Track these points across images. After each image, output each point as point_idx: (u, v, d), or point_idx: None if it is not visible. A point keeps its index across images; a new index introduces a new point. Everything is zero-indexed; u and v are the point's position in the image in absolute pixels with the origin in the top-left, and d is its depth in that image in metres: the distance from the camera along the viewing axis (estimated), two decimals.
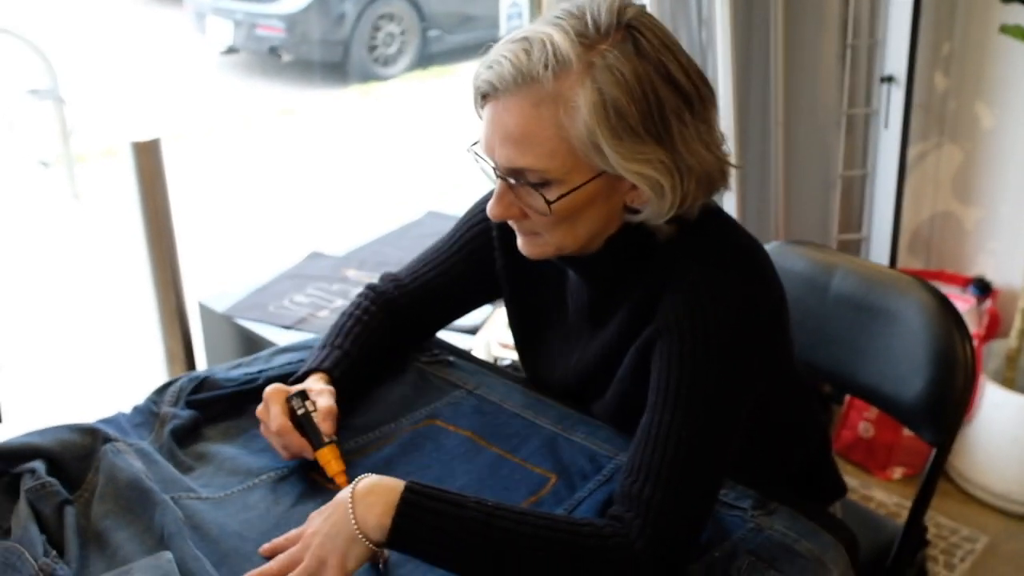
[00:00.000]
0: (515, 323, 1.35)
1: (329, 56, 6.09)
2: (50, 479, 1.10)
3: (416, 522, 0.97)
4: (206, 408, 1.29)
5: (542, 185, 1.03)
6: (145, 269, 1.95)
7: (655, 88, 0.99)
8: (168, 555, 1.00)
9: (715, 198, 1.12)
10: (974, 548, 2.25)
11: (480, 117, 1.07)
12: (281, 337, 1.94)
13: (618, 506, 1.01)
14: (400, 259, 2.25)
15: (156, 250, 1.93)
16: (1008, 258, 2.54)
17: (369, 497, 0.98)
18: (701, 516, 1.02)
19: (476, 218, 1.32)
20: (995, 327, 2.50)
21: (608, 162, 1.00)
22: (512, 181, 1.05)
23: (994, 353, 2.42)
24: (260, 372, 1.36)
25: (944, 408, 1.38)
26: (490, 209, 1.08)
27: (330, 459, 1.17)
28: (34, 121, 4.02)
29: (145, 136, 1.86)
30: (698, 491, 1.01)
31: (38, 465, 1.11)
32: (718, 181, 1.06)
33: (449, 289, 1.36)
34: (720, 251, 1.09)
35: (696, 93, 1.02)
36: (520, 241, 1.13)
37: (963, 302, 2.44)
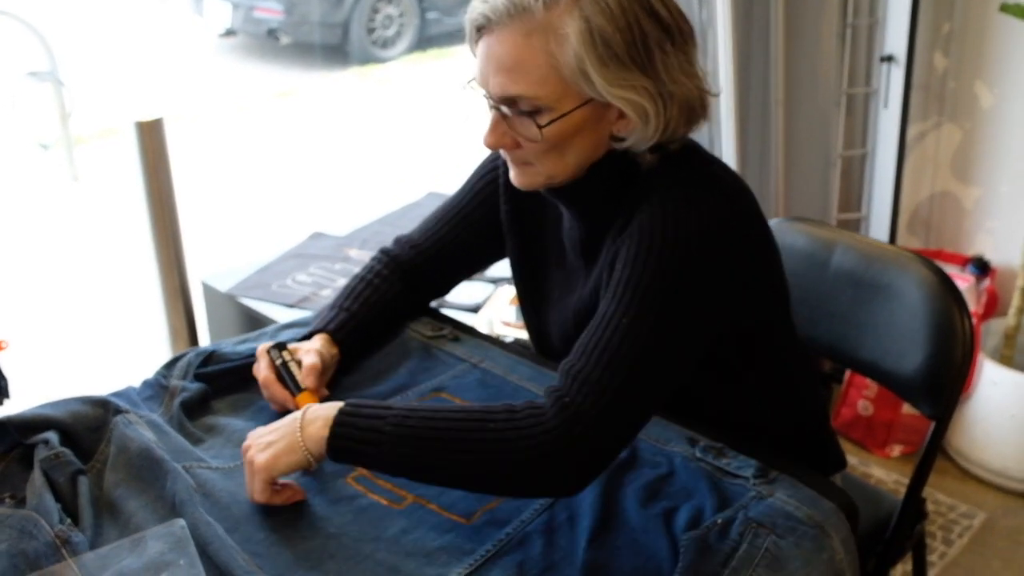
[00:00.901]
0: (518, 273, 1.39)
1: (328, 38, 6.07)
2: (64, 449, 1.11)
3: (349, 428, 1.06)
4: (214, 381, 1.31)
5: (534, 112, 1.08)
6: (148, 248, 1.96)
7: (638, 19, 1.05)
8: (181, 522, 1.02)
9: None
10: (972, 524, 2.27)
11: (474, 54, 1.13)
12: (284, 316, 1.95)
13: (557, 381, 1.06)
14: None
15: (159, 229, 1.94)
16: (1007, 237, 2.55)
17: (312, 414, 1.09)
18: (625, 411, 1.03)
19: (486, 168, 1.39)
20: (993, 306, 2.52)
21: (595, 88, 1.05)
22: (505, 110, 1.10)
23: (992, 331, 2.44)
24: None
25: (943, 382, 1.40)
26: (484, 138, 1.13)
27: (307, 403, 1.21)
28: (33, 103, 4.01)
29: (148, 115, 1.87)
30: (630, 385, 1.03)
31: (51, 436, 1.13)
32: (699, 110, 1.12)
33: (463, 242, 1.40)
34: (697, 175, 1.13)
35: (676, 27, 1.08)
36: (512, 172, 1.18)
37: (962, 281, 2.46)
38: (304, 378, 1.24)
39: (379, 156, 4.80)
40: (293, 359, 1.27)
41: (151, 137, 1.88)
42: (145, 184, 1.90)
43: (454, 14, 6.36)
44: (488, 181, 1.38)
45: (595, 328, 1.07)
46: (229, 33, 6.23)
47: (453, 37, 6.29)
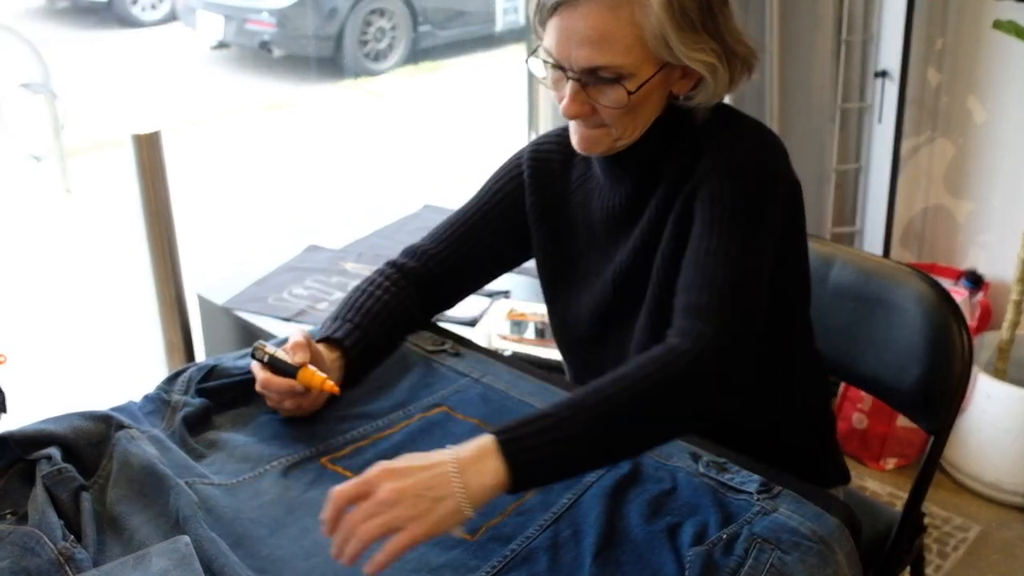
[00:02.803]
0: (547, 263, 1.39)
1: (320, 51, 6.08)
2: (66, 465, 1.10)
3: (527, 453, 0.99)
4: (215, 396, 1.30)
5: (615, 80, 1.14)
6: (145, 261, 1.95)
7: None
8: (186, 539, 1.01)
9: None
10: (966, 537, 2.28)
11: (538, 33, 1.20)
12: (280, 329, 1.94)
13: (678, 322, 1.11)
14: (398, 252, 2.27)
15: (156, 242, 1.93)
16: (999, 251, 2.57)
17: (461, 461, 0.98)
18: (745, 320, 1.11)
19: (508, 168, 1.41)
20: (987, 319, 2.53)
21: (673, 53, 1.13)
22: (586, 80, 1.15)
23: (986, 345, 2.45)
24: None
25: (942, 396, 1.40)
26: (566, 109, 1.18)
27: (308, 377, 1.21)
28: (25, 115, 3.99)
29: (146, 128, 1.87)
30: (741, 299, 1.12)
31: (53, 451, 1.12)
32: (753, 64, 1.22)
33: (481, 246, 1.41)
34: (744, 122, 1.23)
35: None
36: (580, 137, 1.22)
37: (955, 295, 2.46)
38: (294, 357, 1.22)
39: (374, 168, 4.79)
40: (276, 350, 1.24)
41: (148, 150, 1.87)
42: (142, 197, 1.89)
43: (446, 27, 6.38)
44: (512, 178, 1.40)
45: (705, 265, 1.13)
46: (222, 45, 6.22)
47: (446, 50, 6.31)
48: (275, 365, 1.23)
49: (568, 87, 1.17)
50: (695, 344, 1.07)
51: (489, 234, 1.40)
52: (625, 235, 1.28)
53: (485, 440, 0.99)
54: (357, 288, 1.39)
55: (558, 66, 1.17)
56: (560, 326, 1.41)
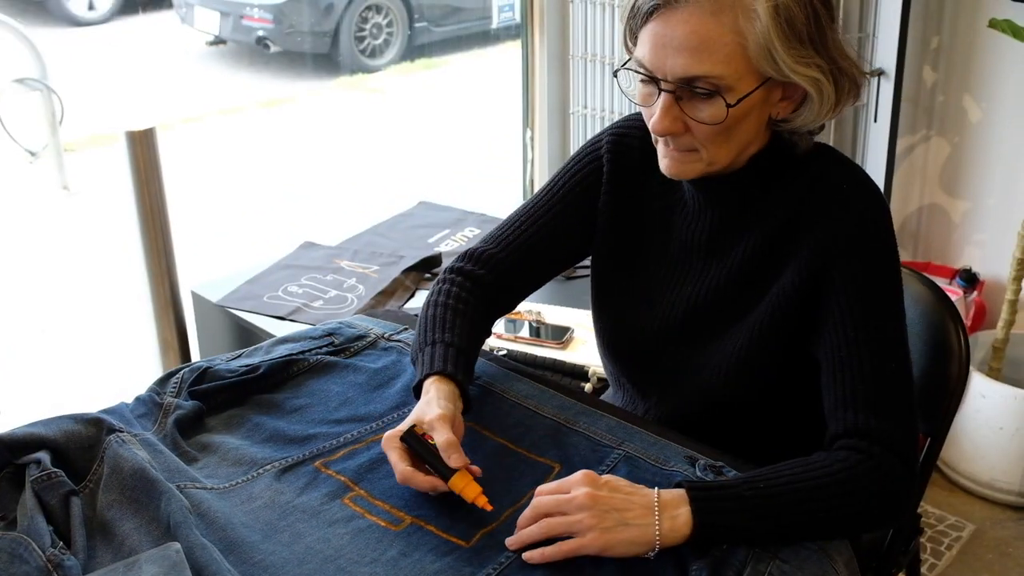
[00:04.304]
0: (604, 265, 1.34)
1: (316, 47, 6.06)
2: (55, 470, 1.09)
3: (713, 517, 1.02)
4: (208, 399, 1.28)
5: (712, 93, 1.08)
6: (139, 258, 1.95)
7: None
8: (176, 546, 0.99)
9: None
10: (961, 536, 2.28)
11: (629, 42, 1.14)
12: (275, 327, 1.94)
13: (850, 439, 1.09)
14: (393, 249, 2.27)
15: (151, 239, 1.93)
16: (994, 250, 2.56)
17: (669, 503, 1.02)
18: (914, 410, 1.12)
19: (584, 158, 1.33)
20: (981, 318, 2.53)
21: (777, 67, 1.07)
22: (680, 93, 1.09)
23: (981, 344, 2.44)
24: (261, 362, 1.35)
25: (939, 397, 1.39)
26: (656, 124, 1.11)
27: (462, 486, 1.08)
28: (21, 111, 3.97)
29: (140, 125, 1.86)
30: (909, 392, 1.12)
31: (43, 456, 1.10)
32: (860, 84, 1.14)
33: (547, 240, 1.33)
34: (852, 172, 1.17)
35: (835, 6, 1.12)
36: (670, 160, 1.16)
37: (950, 293, 2.46)
38: (448, 457, 1.08)
39: (369, 165, 4.78)
40: (429, 440, 1.11)
41: (142, 147, 1.87)
42: (136, 194, 1.89)
43: (442, 24, 6.36)
44: (590, 172, 1.32)
45: (871, 372, 1.10)
46: (218, 41, 6.21)
47: (442, 46, 6.29)
48: (425, 460, 1.10)
49: (660, 100, 1.10)
50: (885, 462, 1.07)
51: (559, 232, 1.33)
52: (706, 264, 1.23)
53: (680, 490, 1.03)
54: (434, 303, 1.29)
55: (650, 79, 1.10)
56: (608, 337, 1.36)
